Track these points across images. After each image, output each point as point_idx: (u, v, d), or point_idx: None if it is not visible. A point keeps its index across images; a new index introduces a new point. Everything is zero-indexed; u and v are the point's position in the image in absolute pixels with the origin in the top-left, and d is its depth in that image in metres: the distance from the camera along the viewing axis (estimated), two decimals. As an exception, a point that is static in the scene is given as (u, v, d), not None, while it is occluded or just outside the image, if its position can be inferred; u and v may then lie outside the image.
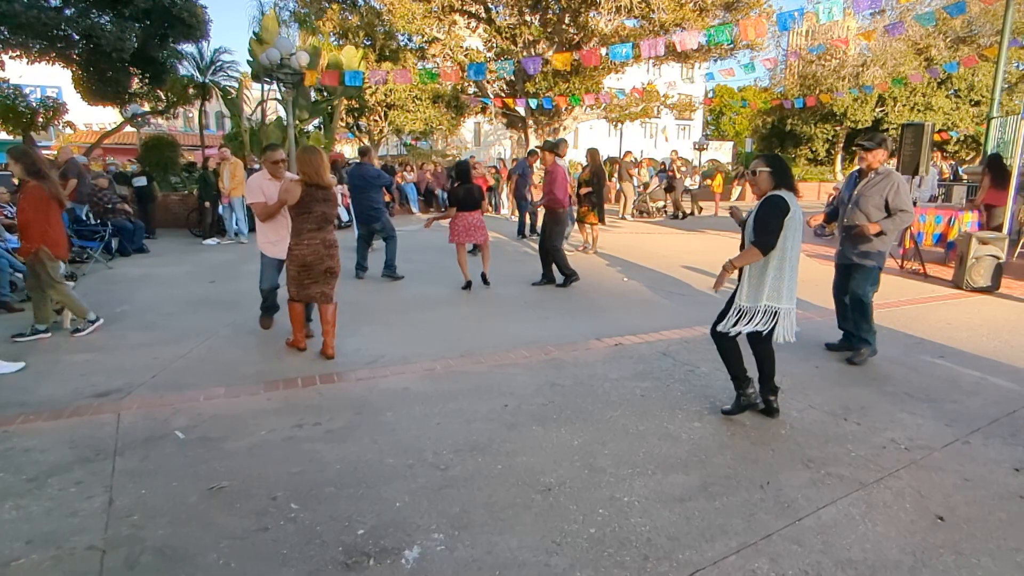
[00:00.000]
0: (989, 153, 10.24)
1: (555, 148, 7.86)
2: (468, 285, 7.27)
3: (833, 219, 5.10)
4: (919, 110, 31.75)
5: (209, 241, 11.39)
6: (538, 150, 8.12)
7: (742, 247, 3.59)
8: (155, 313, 6.10)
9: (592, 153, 9.82)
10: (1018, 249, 9.34)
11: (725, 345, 3.66)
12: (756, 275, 3.49)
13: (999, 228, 8.13)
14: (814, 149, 34.50)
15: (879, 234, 4.58)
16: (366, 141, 25.77)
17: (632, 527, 2.59)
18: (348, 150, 27.55)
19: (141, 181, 12.12)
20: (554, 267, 7.57)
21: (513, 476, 3.00)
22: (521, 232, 12.33)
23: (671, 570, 2.33)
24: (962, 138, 30.97)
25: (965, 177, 13.83)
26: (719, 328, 3.62)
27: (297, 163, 4.66)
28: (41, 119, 15.13)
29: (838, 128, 34.59)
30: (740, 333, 3.56)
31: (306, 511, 2.69)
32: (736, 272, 3.52)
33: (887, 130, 33.09)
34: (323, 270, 4.68)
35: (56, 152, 12.60)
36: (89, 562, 2.37)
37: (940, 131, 25.53)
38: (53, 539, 2.49)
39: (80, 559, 2.38)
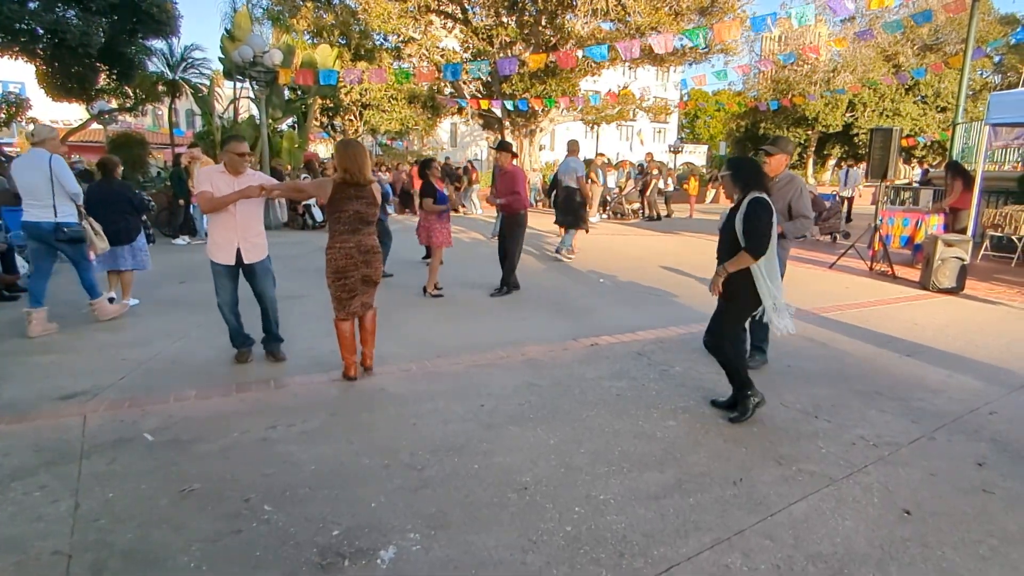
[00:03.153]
0: (951, 159, 10.58)
1: (508, 148, 7.48)
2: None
3: None
4: (888, 115, 32.60)
5: (179, 241, 11.19)
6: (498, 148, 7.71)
7: (721, 250, 3.63)
8: (124, 314, 5.96)
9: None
10: (981, 251, 9.62)
11: (735, 354, 3.69)
12: (761, 276, 3.50)
13: (964, 231, 8.36)
14: (786, 152, 35.26)
15: (781, 236, 4.48)
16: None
17: (608, 524, 2.60)
18: (323, 150, 27.25)
19: None
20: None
21: (490, 476, 2.99)
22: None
23: (646, 566, 2.35)
24: (929, 143, 31.84)
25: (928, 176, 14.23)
26: (777, 328, 3.61)
27: (337, 157, 4.18)
28: (3, 115, 14.69)
29: (809, 132, 35.31)
30: (788, 328, 3.60)
31: (280, 513, 2.65)
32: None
33: (856, 134, 33.85)
34: (359, 278, 4.20)
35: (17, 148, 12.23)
36: (55, 567, 2.30)
37: (908, 136, 26.22)
38: (17, 544, 2.42)
39: (45, 564, 2.32)
